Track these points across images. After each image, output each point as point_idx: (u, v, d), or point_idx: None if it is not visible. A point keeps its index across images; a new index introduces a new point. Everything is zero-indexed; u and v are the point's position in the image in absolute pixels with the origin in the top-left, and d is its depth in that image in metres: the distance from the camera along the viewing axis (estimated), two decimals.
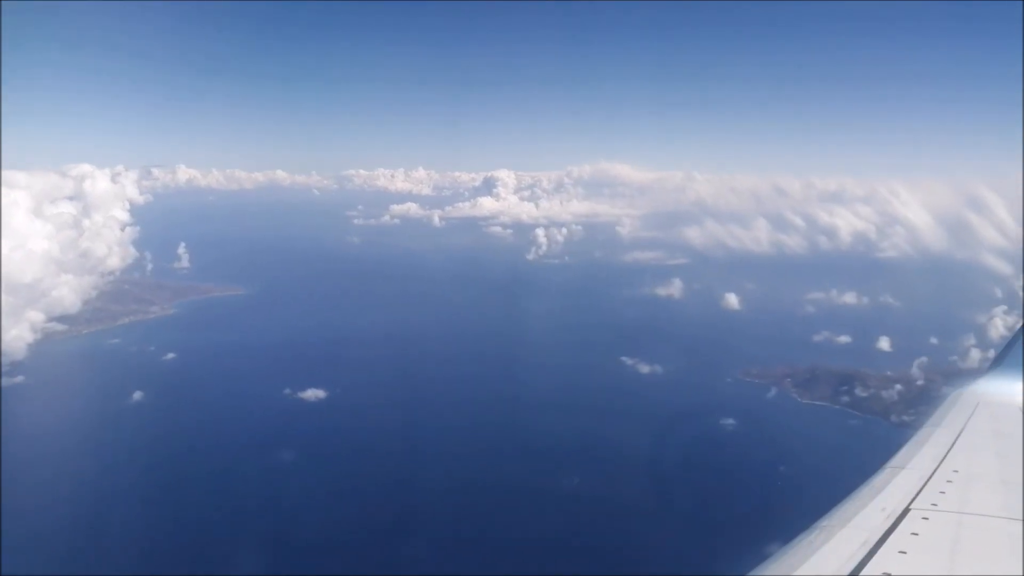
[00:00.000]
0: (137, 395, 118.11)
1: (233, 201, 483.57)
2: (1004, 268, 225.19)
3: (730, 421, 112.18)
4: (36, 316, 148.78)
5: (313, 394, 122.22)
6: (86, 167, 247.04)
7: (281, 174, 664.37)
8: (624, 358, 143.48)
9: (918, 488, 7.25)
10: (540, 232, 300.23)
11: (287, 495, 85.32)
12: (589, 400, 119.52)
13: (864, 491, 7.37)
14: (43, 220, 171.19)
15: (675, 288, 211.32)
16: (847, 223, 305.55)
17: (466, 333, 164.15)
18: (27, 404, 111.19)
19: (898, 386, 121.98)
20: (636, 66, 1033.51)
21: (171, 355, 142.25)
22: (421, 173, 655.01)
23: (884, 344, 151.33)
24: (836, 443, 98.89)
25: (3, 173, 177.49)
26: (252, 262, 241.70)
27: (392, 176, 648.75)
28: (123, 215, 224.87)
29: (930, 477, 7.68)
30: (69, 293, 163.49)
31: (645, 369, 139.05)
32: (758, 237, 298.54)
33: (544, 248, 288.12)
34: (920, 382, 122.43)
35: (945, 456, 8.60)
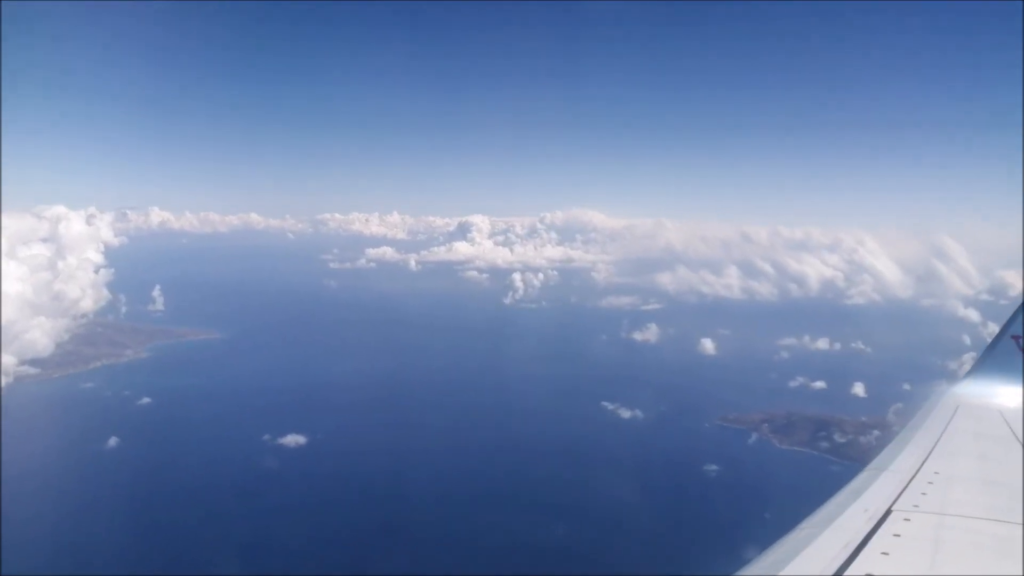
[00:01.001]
0: (113, 441, 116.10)
1: (207, 244, 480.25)
2: (970, 315, 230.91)
3: (713, 467, 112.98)
4: (8, 359, 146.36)
5: (293, 440, 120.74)
6: (60, 209, 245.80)
7: (255, 217, 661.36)
8: (605, 403, 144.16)
9: (900, 490, 7.27)
10: (517, 277, 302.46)
11: (271, 544, 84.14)
12: (573, 446, 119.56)
13: (845, 493, 7.35)
14: (17, 262, 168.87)
15: (651, 333, 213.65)
16: (816, 271, 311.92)
17: (447, 378, 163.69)
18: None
19: (876, 432, 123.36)
20: (607, 116, 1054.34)
21: (146, 400, 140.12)
22: (395, 217, 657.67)
23: (859, 390, 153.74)
24: (819, 490, 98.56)
25: None
26: (227, 305, 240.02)
27: (367, 220, 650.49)
28: (97, 257, 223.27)
29: (911, 479, 7.69)
30: (42, 336, 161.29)
31: (626, 414, 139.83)
32: (730, 283, 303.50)
33: (521, 293, 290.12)
34: (896, 428, 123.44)
35: (926, 458, 8.60)
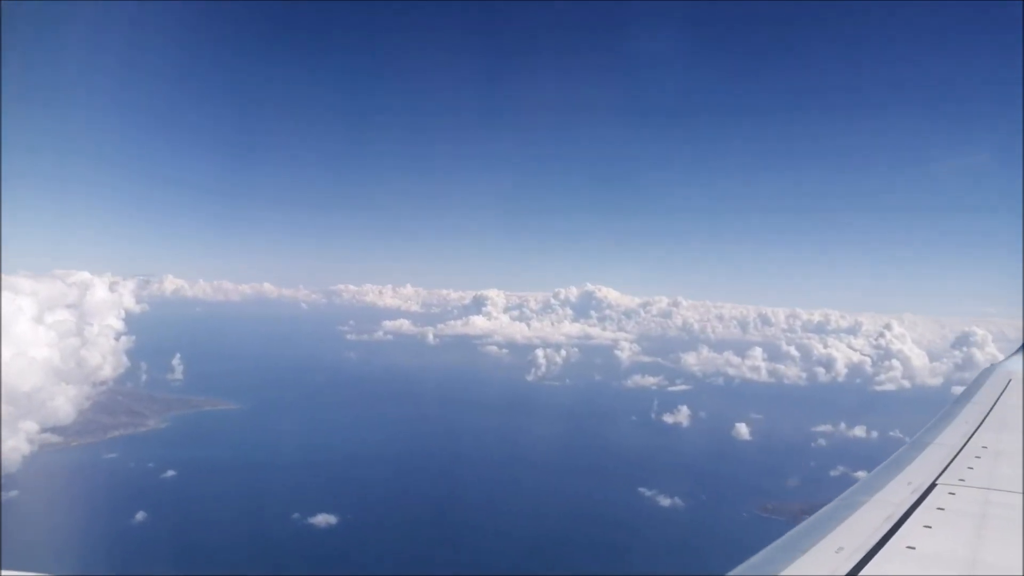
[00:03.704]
0: (140, 515, 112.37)
1: (221, 312, 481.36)
2: None
3: None
4: (30, 426, 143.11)
5: (324, 519, 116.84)
6: (85, 275, 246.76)
7: (268, 287, 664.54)
8: (642, 489, 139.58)
9: (945, 463, 7.13)
10: (539, 353, 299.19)
11: None
12: (615, 537, 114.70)
13: (890, 465, 7.24)
14: (45, 328, 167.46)
15: (682, 415, 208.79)
16: (843, 355, 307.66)
17: (477, 457, 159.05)
18: (23, 522, 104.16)
19: None
20: (619, 193, 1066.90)
21: (171, 472, 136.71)
22: (409, 290, 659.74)
23: None
24: None
25: (5, 279, 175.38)
26: (246, 376, 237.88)
27: (380, 292, 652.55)
28: (118, 324, 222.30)
29: (958, 452, 7.56)
30: (65, 403, 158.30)
31: (665, 502, 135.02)
32: (756, 365, 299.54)
33: (544, 370, 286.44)
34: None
35: (974, 432, 8.39)
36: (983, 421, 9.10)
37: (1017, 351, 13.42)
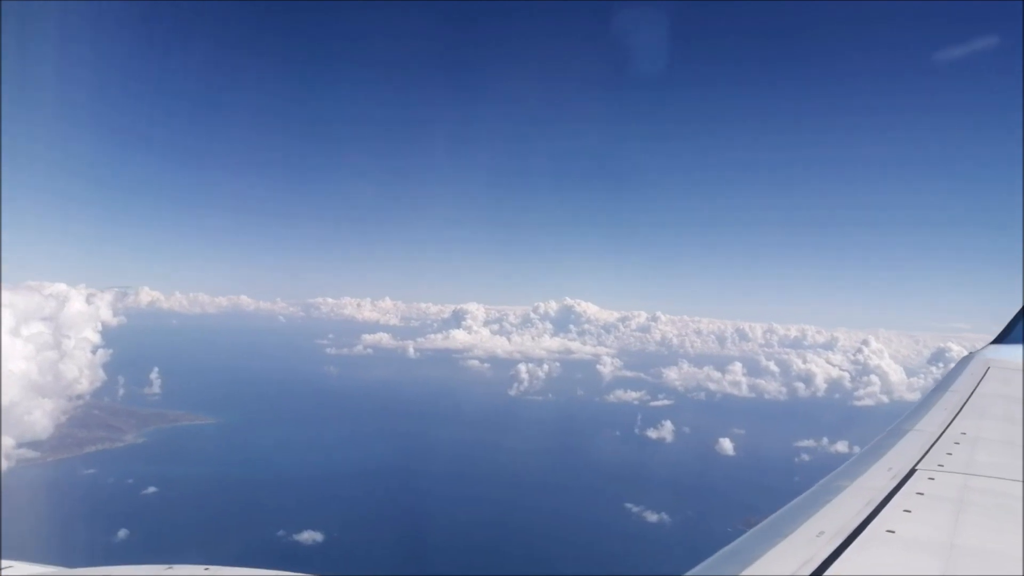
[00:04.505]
0: (122, 533, 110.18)
1: (198, 325, 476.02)
2: None
3: None
4: (7, 441, 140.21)
5: (310, 536, 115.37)
6: (61, 287, 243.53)
7: (245, 299, 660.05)
8: (629, 505, 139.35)
9: (925, 449, 7.17)
10: (521, 368, 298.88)
11: None
12: (605, 553, 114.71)
13: (870, 451, 7.21)
14: (22, 340, 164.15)
15: (666, 431, 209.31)
16: (822, 370, 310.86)
17: (460, 473, 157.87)
18: (2, 540, 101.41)
19: None
20: (597, 207, 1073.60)
21: (152, 489, 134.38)
22: (388, 303, 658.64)
23: None
24: None
25: None
26: (224, 390, 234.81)
27: (359, 305, 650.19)
28: (95, 337, 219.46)
29: (938, 439, 7.62)
30: (42, 417, 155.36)
31: (653, 518, 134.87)
32: (737, 380, 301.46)
33: (526, 384, 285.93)
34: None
35: (953, 418, 8.56)
36: (961, 408, 9.18)
37: (994, 340, 13.51)
